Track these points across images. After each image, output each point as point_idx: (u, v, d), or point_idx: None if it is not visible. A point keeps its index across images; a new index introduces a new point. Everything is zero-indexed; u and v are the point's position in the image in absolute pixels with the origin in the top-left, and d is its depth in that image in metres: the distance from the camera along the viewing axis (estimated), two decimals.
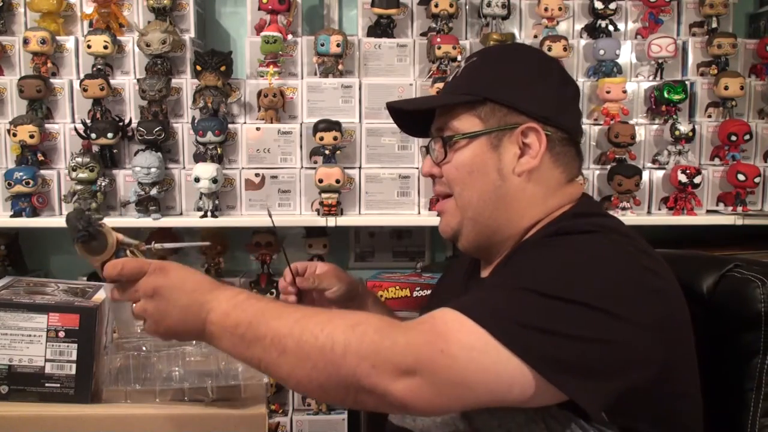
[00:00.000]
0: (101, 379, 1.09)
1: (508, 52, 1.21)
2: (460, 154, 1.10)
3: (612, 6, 2.10)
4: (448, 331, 0.82)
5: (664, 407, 0.92)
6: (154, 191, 1.93)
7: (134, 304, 0.95)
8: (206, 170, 1.91)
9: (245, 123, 2.03)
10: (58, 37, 2.01)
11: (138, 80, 1.97)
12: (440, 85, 1.97)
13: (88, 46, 1.96)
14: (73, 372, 1.06)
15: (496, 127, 1.08)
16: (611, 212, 1.83)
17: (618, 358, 0.85)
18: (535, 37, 2.12)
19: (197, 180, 1.91)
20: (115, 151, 1.98)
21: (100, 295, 1.14)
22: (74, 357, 1.07)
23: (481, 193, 1.09)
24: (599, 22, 2.12)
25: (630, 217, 1.96)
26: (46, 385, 1.08)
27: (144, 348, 1.10)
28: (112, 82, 1.97)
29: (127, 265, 0.94)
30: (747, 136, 2.03)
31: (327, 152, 1.97)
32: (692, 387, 0.99)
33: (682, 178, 1.99)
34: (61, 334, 1.08)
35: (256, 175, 2.00)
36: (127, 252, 0.99)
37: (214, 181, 1.91)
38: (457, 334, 0.82)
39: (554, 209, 1.10)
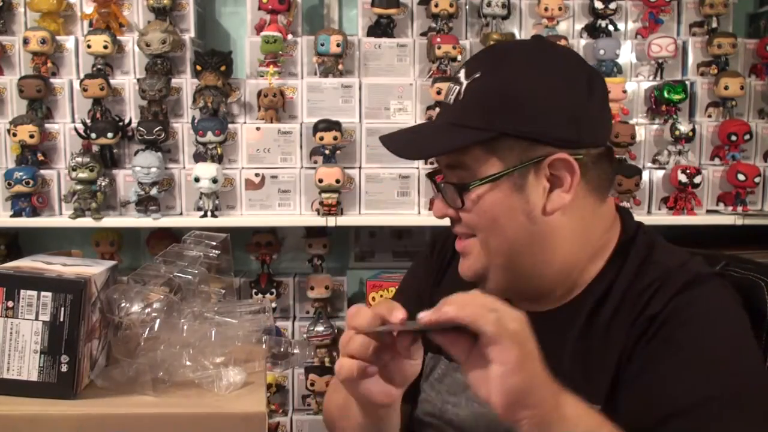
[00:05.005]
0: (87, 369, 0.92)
1: (517, 59, 0.96)
2: (481, 200, 0.92)
3: (612, 6, 2.10)
4: None
5: None
6: (154, 191, 1.93)
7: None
8: (206, 170, 1.91)
9: (245, 123, 2.03)
10: (58, 37, 2.01)
11: (138, 80, 1.97)
12: (440, 85, 1.96)
13: (88, 46, 1.96)
14: (56, 361, 0.86)
15: (517, 165, 0.91)
16: None
17: None
18: None
19: (197, 180, 1.91)
20: (115, 151, 1.98)
21: (91, 270, 0.95)
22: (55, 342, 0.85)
23: (511, 241, 0.94)
24: (599, 21, 2.12)
25: None
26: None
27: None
28: (112, 82, 1.97)
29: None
30: (747, 136, 2.03)
31: (327, 152, 1.97)
32: None
33: (682, 178, 1.99)
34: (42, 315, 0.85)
35: (256, 175, 2.00)
36: None
37: (214, 181, 1.91)
38: None
39: (599, 236, 0.98)
